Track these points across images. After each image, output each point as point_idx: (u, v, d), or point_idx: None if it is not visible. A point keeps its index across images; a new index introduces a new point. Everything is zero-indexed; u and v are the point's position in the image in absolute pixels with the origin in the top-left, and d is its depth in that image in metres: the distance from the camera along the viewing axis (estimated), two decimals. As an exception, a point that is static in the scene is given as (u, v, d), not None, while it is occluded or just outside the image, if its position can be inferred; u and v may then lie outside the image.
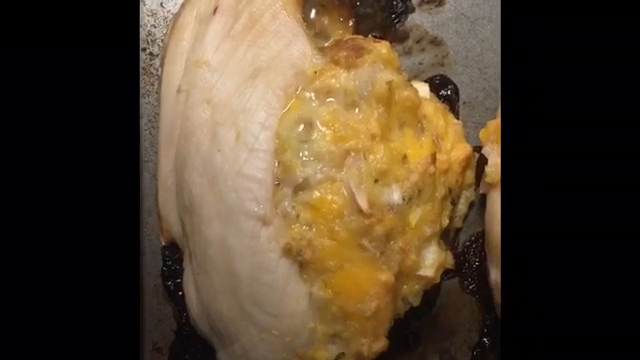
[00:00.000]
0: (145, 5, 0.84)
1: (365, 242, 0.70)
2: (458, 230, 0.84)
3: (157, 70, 0.84)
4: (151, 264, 0.83)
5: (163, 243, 0.83)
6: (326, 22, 0.83)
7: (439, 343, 0.83)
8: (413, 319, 0.81)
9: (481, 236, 0.83)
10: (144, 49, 0.84)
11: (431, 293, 0.80)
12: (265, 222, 0.70)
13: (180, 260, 0.81)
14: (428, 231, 0.73)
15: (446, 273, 0.80)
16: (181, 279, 0.80)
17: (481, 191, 0.80)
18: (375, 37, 0.82)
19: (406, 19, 0.85)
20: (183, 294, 0.78)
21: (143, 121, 0.84)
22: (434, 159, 0.74)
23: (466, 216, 0.83)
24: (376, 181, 0.70)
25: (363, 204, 0.69)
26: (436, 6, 0.85)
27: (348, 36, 0.80)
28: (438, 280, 0.76)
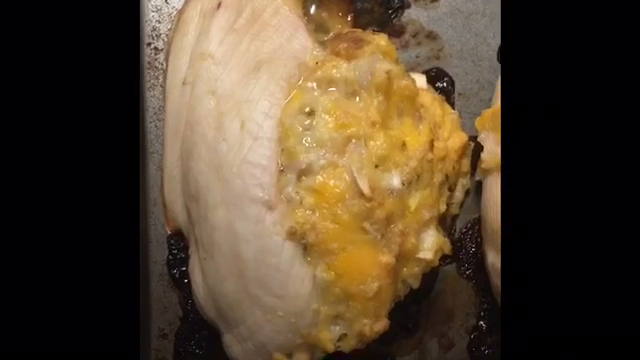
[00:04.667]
0: (150, 1, 0.87)
1: (367, 225, 0.72)
2: (455, 217, 0.86)
3: (162, 64, 0.86)
4: (157, 253, 0.85)
5: (168, 232, 0.85)
6: (325, 17, 0.85)
7: (437, 327, 0.85)
8: (412, 304, 0.83)
9: (477, 222, 0.85)
10: (149, 44, 0.87)
11: (429, 279, 0.82)
12: (270, 207, 0.72)
13: (185, 248, 0.83)
14: (427, 215, 0.75)
15: (443, 259, 0.81)
16: (186, 267, 0.82)
17: (477, 178, 0.83)
18: (373, 31, 0.84)
19: (402, 14, 0.88)
20: (189, 281, 0.80)
21: (148, 114, 0.86)
22: (432, 146, 0.76)
23: (462, 203, 0.85)
24: (377, 166, 0.73)
25: (365, 188, 0.71)
26: (431, 1, 0.88)
27: (347, 29, 0.83)
28: (437, 263, 0.77)
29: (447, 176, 0.80)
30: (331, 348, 0.74)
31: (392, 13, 0.88)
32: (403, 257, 0.74)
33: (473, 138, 0.83)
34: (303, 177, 0.72)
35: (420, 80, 0.82)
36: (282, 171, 0.73)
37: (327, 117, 0.73)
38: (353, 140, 0.73)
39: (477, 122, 0.80)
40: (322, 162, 0.72)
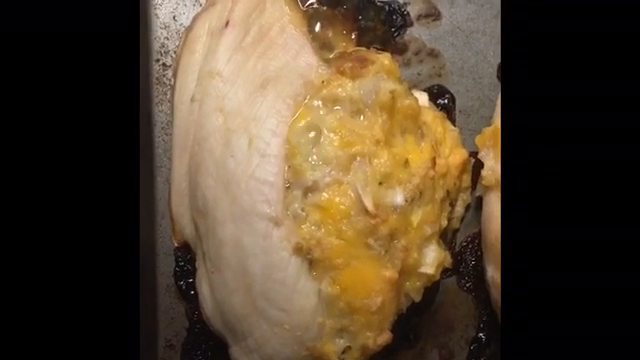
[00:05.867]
0: (159, 19, 0.89)
1: (371, 241, 0.74)
2: (455, 231, 0.88)
3: (170, 80, 0.88)
4: (164, 265, 0.87)
5: (176, 244, 0.86)
6: (330, 35, 0.87)
7: (438, 338, 0.87)
8: (413, 316, 0.85)
9: (477, 236, 0.87)
10: (157, 60, 0.88)
11: (430, 291, 0.84)
12: (277, 223, 0.74)
13: (192, 261, 0.85)
14: (429, 230, 0.77)
15: (444, 272, 0.83)
16: (193, 279, 0.83)
17: (478, 193, 0.85)
18: (376, 49, 0.86)
19: (405, 32, 0.90)
20: (195, 293, 0.82)
21: (156, 129, 0.88)
22: (434, 163, 0.78)
23: (463, 218, 0.88)
24: (380, 184, 0.75)
25: (369, 205, 0.73)
26: (433, 20, 0.90)
27: (352, 48, 0.85)
28: (438, 277, 0.79)
29: (448, 192, 0.82)
30: (335, 360, 0.76)
31: (395, 31, 0.90)
32: (406, 272, 0.76)
33: (474, 154, 0.85)
34: (309, 194, 0.74)
35: (422, 98, 0.84)
36: (289, 188, 0.75)
37: (332, 135, 0.75)
38: (358, 158, 0.75)
39: (477, 140, 0.82)
40: (327, 179, 0.74)
